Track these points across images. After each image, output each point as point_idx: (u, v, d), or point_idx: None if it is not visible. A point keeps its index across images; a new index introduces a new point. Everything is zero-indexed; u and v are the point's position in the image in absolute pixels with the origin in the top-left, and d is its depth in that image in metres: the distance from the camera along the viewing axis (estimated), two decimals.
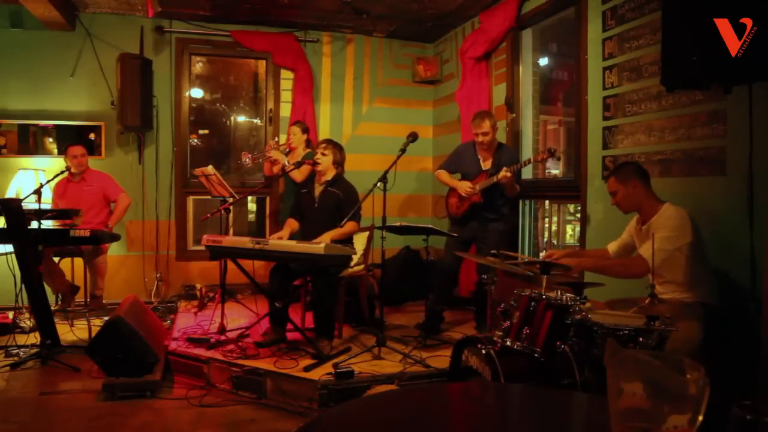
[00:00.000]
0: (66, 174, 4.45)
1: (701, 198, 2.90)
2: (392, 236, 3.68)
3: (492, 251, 3.15)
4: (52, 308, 4.03)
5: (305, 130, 5.00)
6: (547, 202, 4.83)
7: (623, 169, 2.82)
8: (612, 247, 3.01)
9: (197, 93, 6.07)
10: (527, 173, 4.83)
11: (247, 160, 4.97)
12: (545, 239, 5.07)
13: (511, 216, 4.44)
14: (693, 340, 2.39)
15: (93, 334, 3.72)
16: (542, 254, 4.08)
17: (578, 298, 2.43)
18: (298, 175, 4.61)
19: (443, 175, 4.22)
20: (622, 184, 2.76)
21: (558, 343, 2.32)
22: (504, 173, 3.74)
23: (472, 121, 4.02)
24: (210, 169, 4.33)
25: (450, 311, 4.27)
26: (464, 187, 3.99)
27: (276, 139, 5.48)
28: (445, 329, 4.21)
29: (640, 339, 2.13)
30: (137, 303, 3.75)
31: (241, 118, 6.45)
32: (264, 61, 5.88)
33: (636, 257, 2.66)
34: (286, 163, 4.70)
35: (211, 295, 5.07)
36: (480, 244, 4.07)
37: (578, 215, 4.25)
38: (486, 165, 4.04)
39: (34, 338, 3.89)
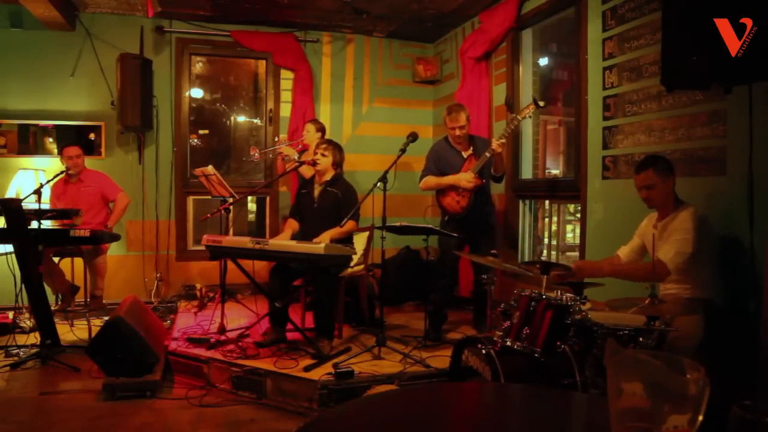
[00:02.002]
0: (64, 174, 4.45)
1: (701, 198, 2.90)
2: (392, 236, 3.68)
3: (492, 251, 3.14)
4: (52, 308, 4.02)
5: (320, 129, 4.99)
6: (547, 202, 4.83)
7: (662, 162, 2.70)
8: (623, 251, 2.96)
9: (197, 93, 6.07)
10: (527, 173, 4.83)
11: (256, 154, 5.04)
12: (545, 239, 5.07)
13: (493, 212, 4.36)
14: (695, 335, 2.40)
15: (93, 334, 3.72)
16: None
17: (578, 298, 2.43)
18: (307, 172, 4.63)
19: (431, 180, 4.06)
20: (661, 178, 2.65)
21: (558, 343, 2.32)
22: (498, 141, 3.68)
23: (448, 114, 3.95)
24: (210, 169, 4.33)
25: (450, 311, 4.27)
26: (464, 177, 3.86)
27: (276, 138, 5.50)
28: (445, 330, 4.20)
29: (640, 339, 2.13)
30: (137, 303, 3.75)
31: (241, 118, 6.45)
32: (264, 61, 5.88)
33: (655, 262, 2.59)
34: (296, 159, 4.75)
35: (211, 295, 5.07)
36: (473, 242, 4.05)
37: (578, 215, 4.25)
38: (467, 153, 4.00)
39: (34, 338, 3.89)
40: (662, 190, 2.68)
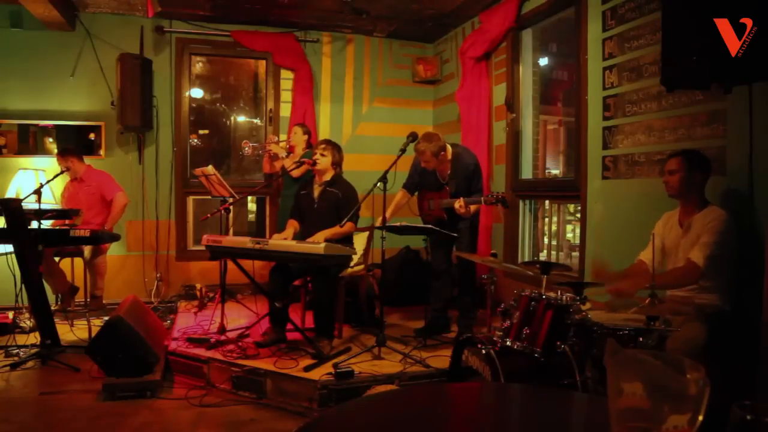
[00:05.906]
0: (65, 175, 4.46)
1: None
2: (392, 236, 3.68)
3: (493, 251, 3.14)
4: (52, 308, 4.02)
5: (306, 132, 5.06)
6: (547, 202, 4.83)
7: (695, 155, 2.67)
8: (646, 256, 2.80)
9: (197, 93, 6.07)
10: (527, 173, 4.83)
11: (247, 148, 5.09)
12: (544, 241, 5.07)
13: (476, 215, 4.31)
14: (696, 339, 2.38)
15: (93, 334, 3.72)
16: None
17: (578, 298, 2.43)
18: (295, 172, 4.67)
19: (396, 197, 4.10)
20: (685, 167, 2.63)
21: (558, 343, 2.32)
22: (457, 205, 3.63)
23: (418, 143, 3.79)
24: (210, 169, 4.33)
25: (449, 311, 4.25)
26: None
27: (276, 138, 5.51)
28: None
29: (640, 339, 2.13)
30: (137, 303, 3.75)
31: (241, 118, 6.46)
32: (264, 61, 5.88)
33: (685, 266, 2.52)
34: (283, 157, 4.78)
35: (211, 295, 5.07)
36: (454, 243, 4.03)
37: (578, 215, 4.25)
38: (443, 177, 3.94)
39: (34, 338, 3.89)
40: (682, 179, 2.63)
